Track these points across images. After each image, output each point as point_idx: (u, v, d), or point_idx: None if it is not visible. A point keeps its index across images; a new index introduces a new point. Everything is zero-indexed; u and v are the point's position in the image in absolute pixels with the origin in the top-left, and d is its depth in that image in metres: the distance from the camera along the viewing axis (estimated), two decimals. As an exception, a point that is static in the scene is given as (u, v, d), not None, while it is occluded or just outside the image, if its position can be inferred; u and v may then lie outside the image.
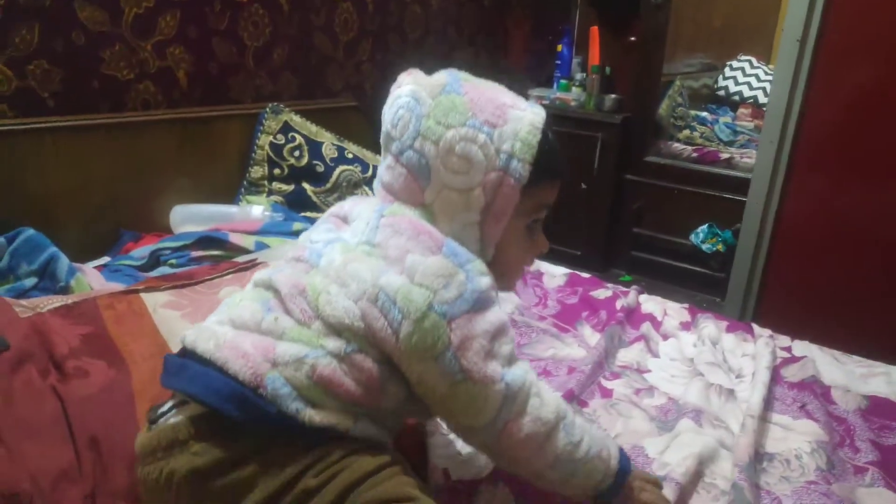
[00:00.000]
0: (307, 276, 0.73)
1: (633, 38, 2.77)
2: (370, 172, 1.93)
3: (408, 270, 0.68)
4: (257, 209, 1.59)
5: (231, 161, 1.73)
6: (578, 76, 2.96)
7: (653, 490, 0.80)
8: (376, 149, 2.06)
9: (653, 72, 2.74)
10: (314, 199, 1.77)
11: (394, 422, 0.76)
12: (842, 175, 1.91)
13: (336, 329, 0.68)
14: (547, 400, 0.72)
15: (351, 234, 0.76)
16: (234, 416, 0.65)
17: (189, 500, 0.66)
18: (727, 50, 3.69)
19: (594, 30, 2.91)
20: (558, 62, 3.00)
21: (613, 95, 2.82)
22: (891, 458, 1.00)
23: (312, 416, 0.66)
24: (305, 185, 1.77)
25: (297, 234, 1.54)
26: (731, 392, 1.15)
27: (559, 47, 2.98)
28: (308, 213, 1.74)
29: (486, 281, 0.70)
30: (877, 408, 1.13)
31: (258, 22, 1.79)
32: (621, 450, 0.79)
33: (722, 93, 3.67)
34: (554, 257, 2.62)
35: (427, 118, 0.74)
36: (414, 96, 0.76)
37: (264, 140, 1.73)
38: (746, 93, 3.62)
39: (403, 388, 0.71)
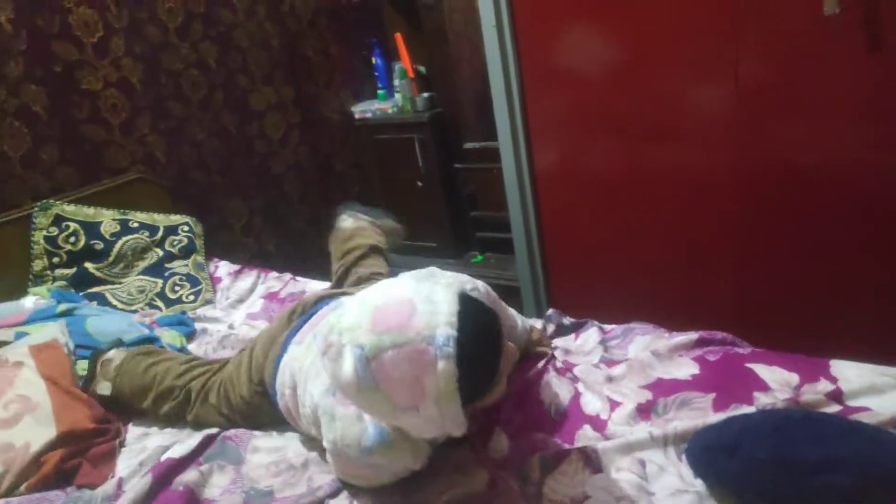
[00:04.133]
0: None
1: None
2: (160, 234, 2.14)
3: None
4: (30, 300, 1.81)
5: (16, 261, 1.95)
6: (398, 82, 3.12)
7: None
8: (173, 209, 2.28)
9: (443, 65, 2.89)
10: (98, 274, 1.99)
11: None
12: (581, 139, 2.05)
13: None
14: None
15: None
16: None
17: None
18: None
19: (397, 36, 3.07)
20: (376, 73, 3.16)
21: (426, 94, 2.98)
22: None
23: None
24: (87, 265, 1.98)
25: (60, 315, 1.76)
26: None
27: (374, 60, 3.15)
28: (94, 289, 1.96)
29: None
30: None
31: (15, 133, 2.01)
32: None
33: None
34: (413, 252, 2.86)
35: None
36: None
37: (38, 236, 1.95)
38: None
39: None
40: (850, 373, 1.06)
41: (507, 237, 2.46)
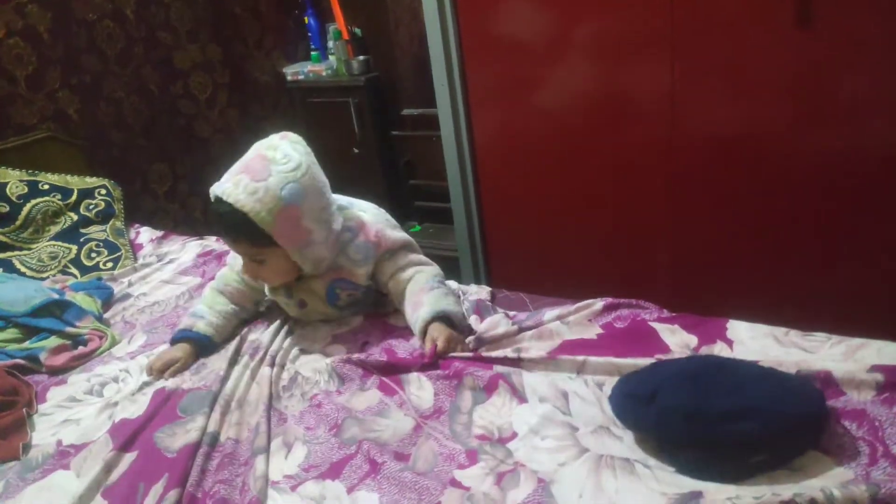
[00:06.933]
0: None
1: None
2: (74, 197, 1.99)
3: None
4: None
5: None
6: (331, 44, 3.01)
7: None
8: (90, 171, 2.12)
9: (381, 28, 2.80)
10: (4, 239, 1.83)
11: None
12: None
13: None
14: None
15: None
16: None
17: None
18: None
19: (330, -6, 2.95)
20: (309, 34, 3.04)
21: (361, 57, 2.89)
22: None
23: None
24: (-8, 229, 1.83)
25: (-40, 282, 1.62)
26: (630, 466, 0.88)
27: (306, 20, 3.02)
28: (1, 255, 1.81)
29: None
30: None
31: None
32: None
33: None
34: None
35: None
36: None
37: (-67, 198, 1.78)
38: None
39: None
40: (744, 334, 1.09)
41: (445, 207, 2.44)
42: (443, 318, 1.19)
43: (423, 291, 1.25)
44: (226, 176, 1.21)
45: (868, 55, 1.47)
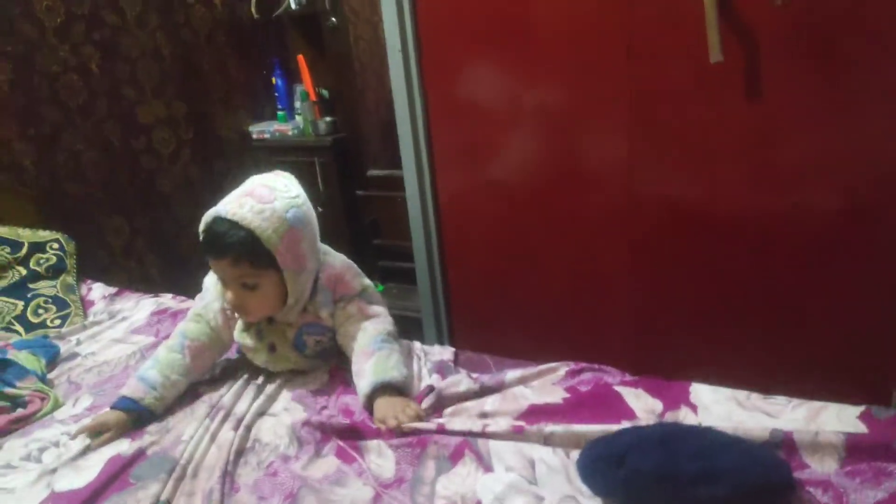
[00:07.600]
0: None
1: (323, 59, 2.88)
2: (24, 250, 1.92)
3: None
4: None
5: None
6: (298, 104, 3.05)
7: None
8: (43, 223, 2.06)
9: (348, 91, 2.86)
10: (-55, 294, 1.75)
11: None
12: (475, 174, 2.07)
13: None
14: None
15: None
16: None
17: None
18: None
19: (300, 58, 3.01)
20: (277, 94, 3.07)
21: (328, 118, 2.93)
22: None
23: None
24: (-69, 283, 1.74)
25: None
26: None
27: (274, 80, 3.06)
28: (-59, 311, 1.72)
29: None
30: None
31: None
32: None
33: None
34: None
35: None
36: None
37: None
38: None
39: None
40: (708, 398, 1.09)
41: (409, 267, 2.42)
42: (385, 387, 1.17)
43: (366, 357, 1.23)
44: (223, 202, 1.22)
45: (812, 124, 1.55)
